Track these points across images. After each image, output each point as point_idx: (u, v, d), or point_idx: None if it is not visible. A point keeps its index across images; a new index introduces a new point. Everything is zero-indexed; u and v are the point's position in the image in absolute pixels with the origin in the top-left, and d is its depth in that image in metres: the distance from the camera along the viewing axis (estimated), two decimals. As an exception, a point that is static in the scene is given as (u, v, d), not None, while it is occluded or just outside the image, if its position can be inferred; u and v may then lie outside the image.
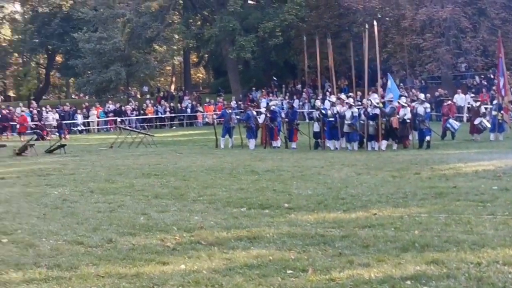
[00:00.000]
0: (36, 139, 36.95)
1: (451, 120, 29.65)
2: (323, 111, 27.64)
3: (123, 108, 52.87)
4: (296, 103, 45.95)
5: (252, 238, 9.90)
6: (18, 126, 43.73)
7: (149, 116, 52.69)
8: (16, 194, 15.62)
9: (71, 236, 10.41)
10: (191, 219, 11.64)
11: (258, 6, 59.18)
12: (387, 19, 50.86)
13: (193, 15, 63.42)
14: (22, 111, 47.22)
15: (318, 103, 30.18)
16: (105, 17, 59.37)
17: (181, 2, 59.35)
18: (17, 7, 74.57)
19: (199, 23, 64.34)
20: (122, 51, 56.54)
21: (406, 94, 34.75)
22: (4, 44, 75.36)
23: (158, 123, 52.92)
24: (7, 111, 46.65)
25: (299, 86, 57.43)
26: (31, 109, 50.69)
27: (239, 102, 51.58)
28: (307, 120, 32.86)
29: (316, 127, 28.04)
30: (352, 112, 26.66)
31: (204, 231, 10.47)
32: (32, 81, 71.78)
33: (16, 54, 77.66)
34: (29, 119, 46.52)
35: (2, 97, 78.81)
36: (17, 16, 75.46)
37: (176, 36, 62.76)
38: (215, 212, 12.33)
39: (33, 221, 11.82)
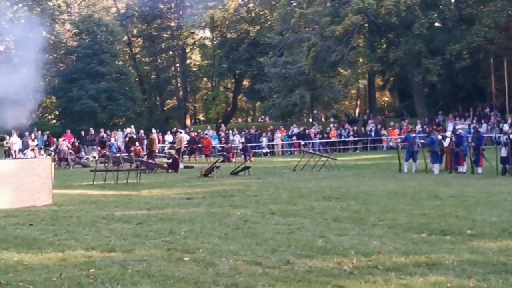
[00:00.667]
0: (223, 161, 38.00)
1: None
2: (510, 136, 26.55)
3: (306, 131, 53.29)
4: (484, 128, 44.55)
5: (430, 264, 9.63)
6: (204, 148, 45.21)
7: (333, 139, 52.80)
8: (200, 214, 16.06)
9: (250, 257, 10.54)
10: (369, 243, 11.46)
11: (445, 29, 57.83)
12: None
13: (378, 38, 63.03)
14: (206, 134, 48.77)
15: (505, 127, 29.08)
16: (291, 42, 60.43)
17: (366, 25, 59.12)
18: (207, 33, 77.31)
19: (384, 46, 63.82)
20: (307, 75, 57.20)
21: None
22: (194, 69, 78.45)
23: (341, 147, 52.84)
24: (196, 134, 48.36)
25: (487, 110, 55.50)
26: (220, 132, 52.37)
27: (425, 126, 50.50)
28: (495, 145, 31.67)
29: (504, 152, 26.94)
30: (543, 137, 25.44)
31: (381, 256, 10.29)
32: (220, 105, 74.06)
33: (205, 79, 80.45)
34: (215, 141, 48.12)
35: (192, 120, 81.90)
36: (207, 42, 78.24)
37: (361, 60, 62.65)
38: (394, 237, 12.08)
39: (215, 241, 12.09)
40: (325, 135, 53.60)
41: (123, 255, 10.85)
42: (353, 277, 9.06)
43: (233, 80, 78.58)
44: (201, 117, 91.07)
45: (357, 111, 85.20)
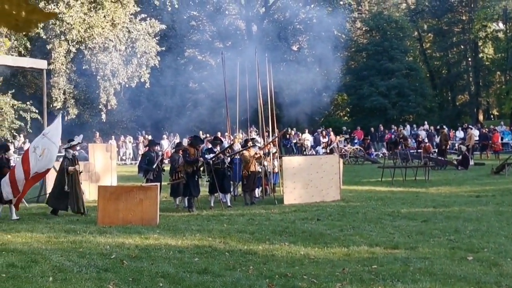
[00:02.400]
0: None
1: None
2: None
3: None
4: None
5: None
6: (493, 145, 43.78)
7: None
8: (488, 212, 15.76)
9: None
10: None
11: None
12: None
13: None
14: (495, 129, 47.05)
15: None
16: None
17: None
18: (500, 25, 74.86)
19: None
20: None
21: None
22: (486, 63, 76.22)
23: None
24: (487, 130, 46.96)
25: None
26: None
27: None
28: None
29: None
30: None
31: None
32: (515, 99, 71.30)
33: (498, 73, 77.88)
34: (508, 137, 46.58)
35: (485, 115, 79.70)
36: (500, 35, 75.72)
37: None
38: None
39: (501, 240, 11.84)
40: None
41: (406, 252, 10.98)
42: None
43: (528, 73, 75.37)
44: (494, 112, 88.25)
45: None
